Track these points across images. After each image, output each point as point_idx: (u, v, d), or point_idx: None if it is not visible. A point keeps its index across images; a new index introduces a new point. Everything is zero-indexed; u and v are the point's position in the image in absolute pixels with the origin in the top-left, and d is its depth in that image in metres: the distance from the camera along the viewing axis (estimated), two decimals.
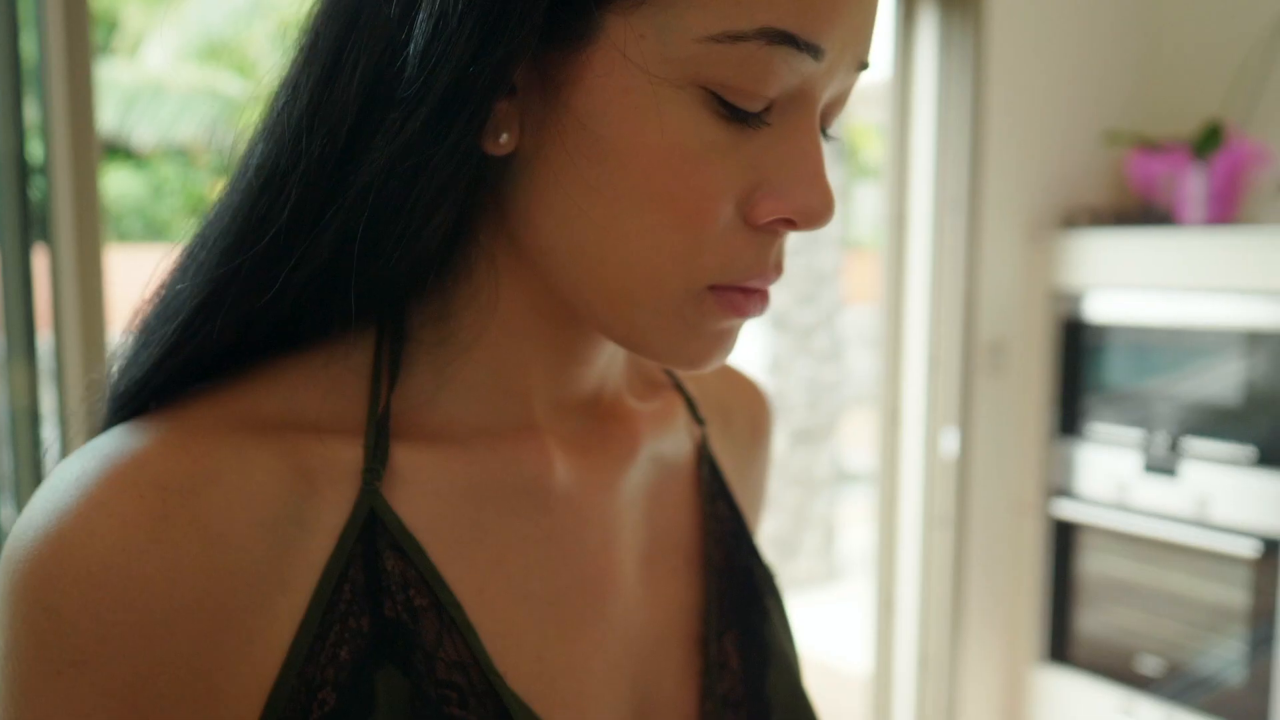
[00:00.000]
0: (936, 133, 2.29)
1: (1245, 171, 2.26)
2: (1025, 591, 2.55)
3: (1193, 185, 2.25)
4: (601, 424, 0.48)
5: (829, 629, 3.75)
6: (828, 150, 0.42)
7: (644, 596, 0.48)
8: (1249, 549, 2.14)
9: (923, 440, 2.36)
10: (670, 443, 0.53)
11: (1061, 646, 2.52)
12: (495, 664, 0.41)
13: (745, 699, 0.49)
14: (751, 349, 3.98)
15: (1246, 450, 2.15)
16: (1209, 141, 2.20)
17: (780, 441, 3.99)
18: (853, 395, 4.63)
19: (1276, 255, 2.07)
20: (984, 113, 2.28)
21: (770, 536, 3.98)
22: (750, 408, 0.61)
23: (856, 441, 4.98)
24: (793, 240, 3.93)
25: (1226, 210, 2.27)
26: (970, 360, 2.39)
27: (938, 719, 2.47)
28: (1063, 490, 2.47)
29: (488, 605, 0.42)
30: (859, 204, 6.84)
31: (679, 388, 0.56)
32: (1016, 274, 2.44)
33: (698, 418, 0.55)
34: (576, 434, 0.47)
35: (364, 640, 0.38)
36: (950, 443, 2.38)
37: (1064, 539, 2.50)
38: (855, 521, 4.49)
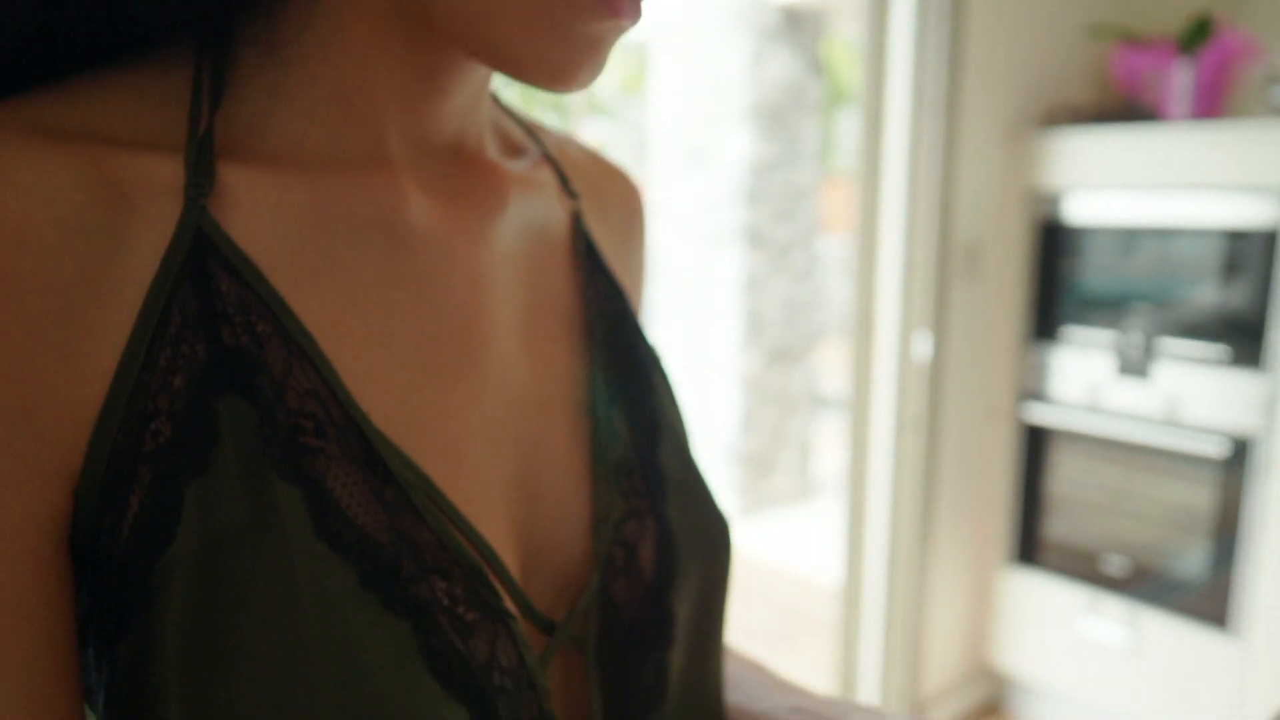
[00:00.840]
0: (915, 29, 2.21)
1: (1234, 65, 2.20)
2: (995, 495, 2.55)
3: (1178, 80, 2.19)
4: (465, 172, 0.44)
5: (803, 545, 3.78)
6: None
7: (523, 359, 0.45)
8: (1218, 449, 2.14)
9: (896, 345, 2.33)
10: (541, 209, 0.49)
11: (1030, 549, 2.54)
12: (356, 400, 0.37)
13: (637, 467, 0.46)
14: (727, 266, 3.93)
15: (1219, 350, 2.14)
16: (1197, 35, 2.14)
17: (756, 360, 3.97)
18: (830, 321, 4.60)
19: (1263, 149, 2.03)
20: (964, 6, 2.21)
21: (746, 454, 3.98)
22: (624, 193, 0.57)
23: (833, 368, 4.97)
24: (771, 156, 3.87)
25: (1213, 106, 2.22)
26: (945, 264, 2.35)
27: (906, 623, 2.49)
28: (1035, 394, 2.46)
29: (343, 340, 0.38)
30: (839, 133, 6.74)
31: (548, 158, 0.52)
32: (994, 175, 2.39)
33: (570, 190, 0.51)
34: (437, 180, 0.43)
35: (200, 367, 0.34)
36: (924, 347, 2.36)
37: (1035, 443, 2.50)
38: (831, 443, 4.51)
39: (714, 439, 4.02)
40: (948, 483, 2.47)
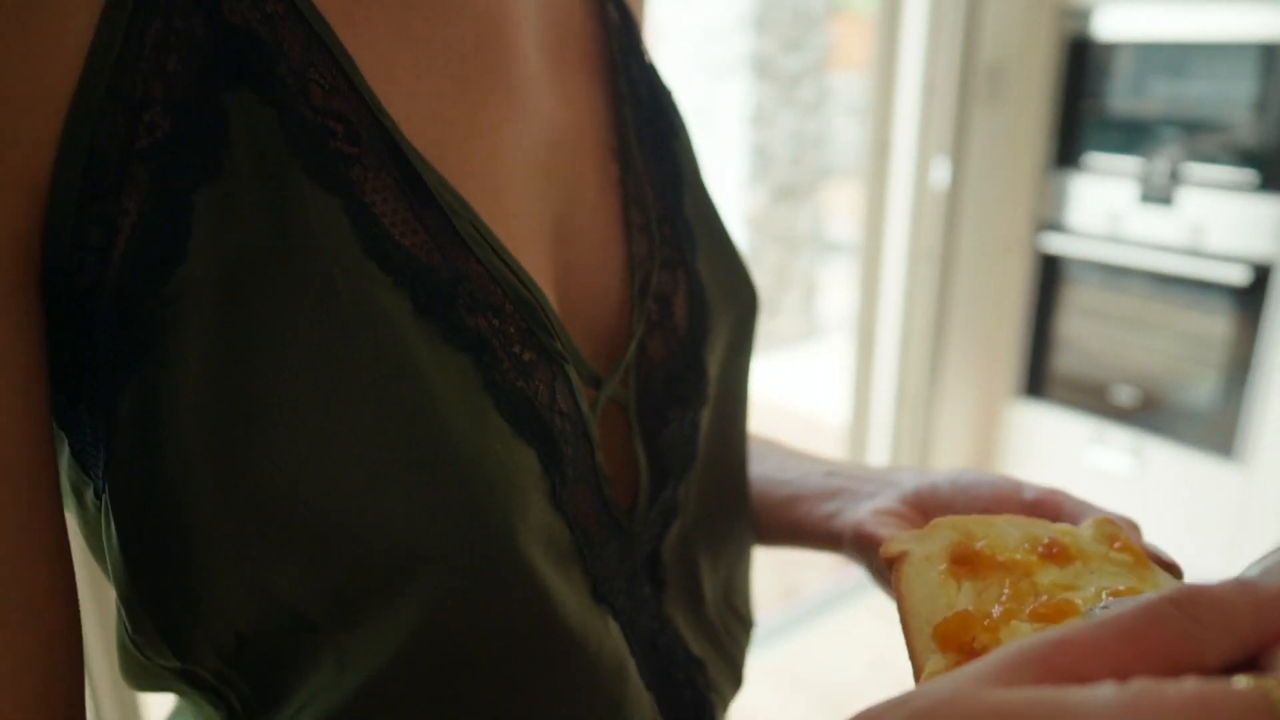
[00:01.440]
0: None
1: None
2: (1007, 329, 2.52)
3: None
4: None
5: (809, 385, 3.79)
6: None
7: (552, 86, 0.41)
8: (1240, 276, 2.09)
9: (913, 173, 2.24)
10: None
11: (1039, 382, 2.53)
12: (385, 107, 0.32)
13: (666, 216, 0.43)
14: (732, 98, 3.77)
15: (1248, 174, 2.05)
16: None
17: (762, 198, 3.87)
18: (838, 161, 4.45)
19: None
20: None
21: None
22: None
23: (840, 209, 4.85)
24: None
25: None
26: (967, 85, 2.23)
27: (913, 458, 2.51)
28: (1054, 224, 2.39)
29: (360, 32, 0.32)
30: None
31: None
32: None
33: None
34: None
35: (200, 49, 0.28)
36: (941, 175, 2.27)
37: (1051, 275, 2.44)
38: (837, 284, 4.46)
39: None
40: (959, 317, 2.43)
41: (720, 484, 0.47)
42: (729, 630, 0.49)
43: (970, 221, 2.36)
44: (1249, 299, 2.10)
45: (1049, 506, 0.41)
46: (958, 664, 0.35)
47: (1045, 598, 0.37)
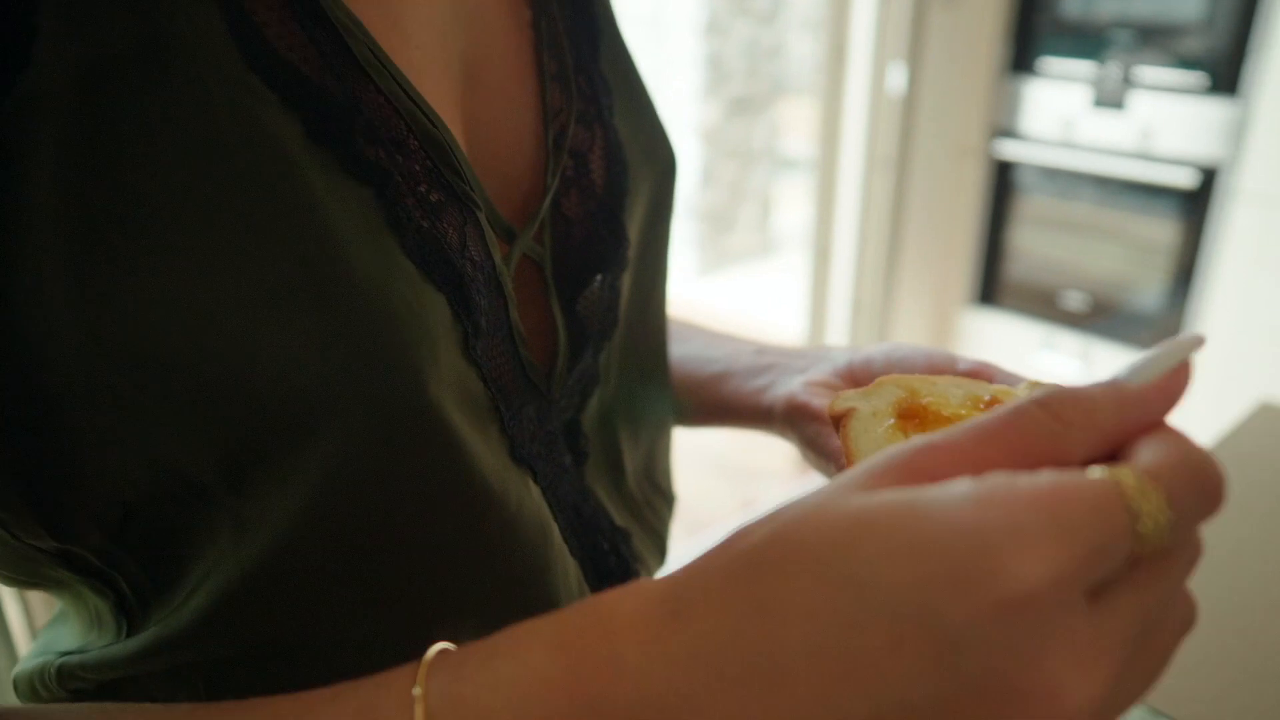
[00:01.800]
0: None
1: None
2: (961, 237, 2.54)
3: None
4: None
5: (765, 300, 3.81)
6: None
7: None
8: (1187, 180, 2.12)
9: (869, 77, 2.22)
10: None
11: (991, 290, 2.57)
12: None
13: (582, 68, 0.41)
14: (684, 5, 3.68)
15: (1198, 77, 2.07)
16: None
17: (716, 112, 3.81)
18: (793, 75, 4.39)
19: None
20: None
21: (705, 210, 3.91)
22: None
23: (795, 125, 4.81)
24: None
25: None
26: None
27: None
28: (1008, 130, 2.39)
29: None
30: None
31: None
32: None
33: None
34: None
35: None
36: (897, 79, 2.25)
37: (1004, 181, 2.46)
38: (792, 199, 4.44)
39: None
40: (915, 225, 2.44)
41: (641, 355, 0.46)
42: (650, 503, 0.49)
43: (926, 128, 2.35)
44: (1196, 203, 2.14)
45: (983, 375, 0.41)
46: None
47: None
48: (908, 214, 2.42)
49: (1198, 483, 0.21)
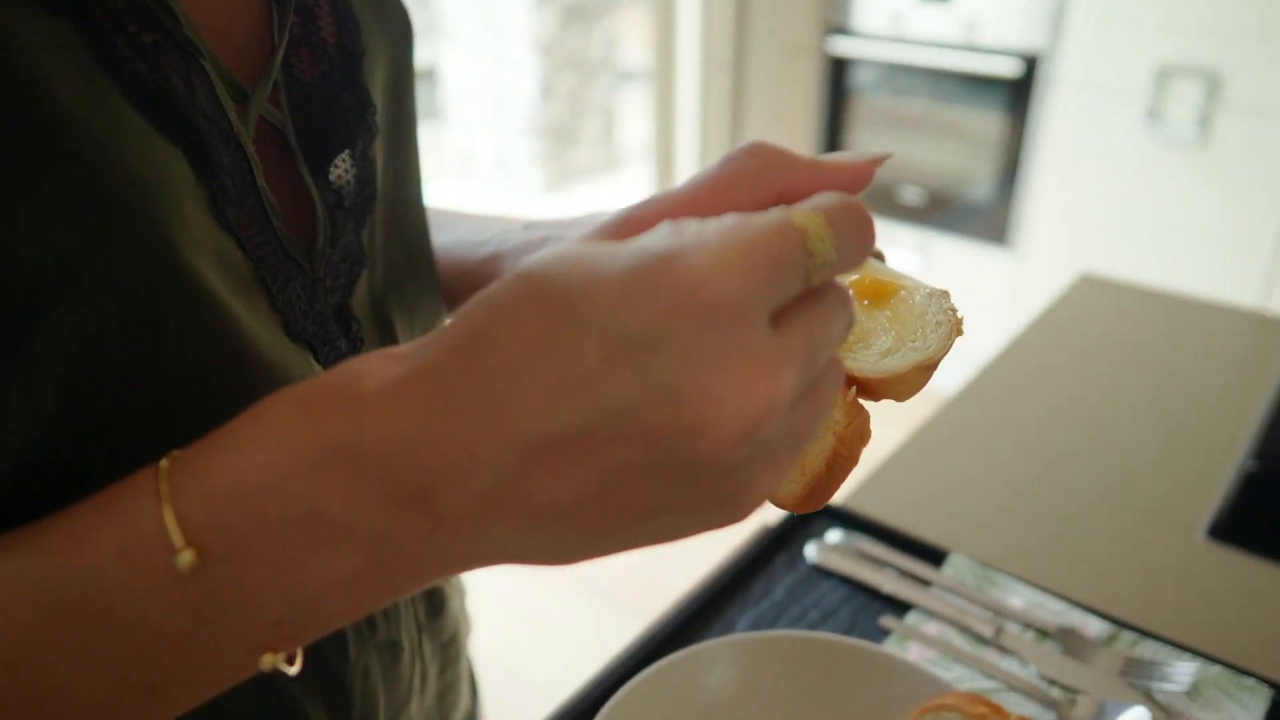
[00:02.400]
0: None
1: None
2: (800, 137, 2.55)
3: None
4: None
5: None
6: None
7: None
8: (1011, 69, 2.17)
9: None
10: None
11: None
12: None
13: None
14: None
15: None
16: None
17: (551, 21, 3.67)
18: None
19: None
20: None
21: (547, 125, 3.79)
22: None
23: (632, 38, 4.70)
24: None
25: None
26: None
27: None
28: (840, 27, 2.39)
29: None
30: None
31: None
32: None
33: None
34: None
35: None
36: None
37: (839, 80, 2.47)
38: (636, 113, 4.36)
39: (510, 110, 3.79)
40: (754, 128, 2.43)
41: (406, 238, 0.45)
42: None
43: (760, 27, 2.32)
44: (1019, 92, 2.20)
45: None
46: None
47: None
48: (747, 117, 2.39)
49: (852, 216, 0.24)
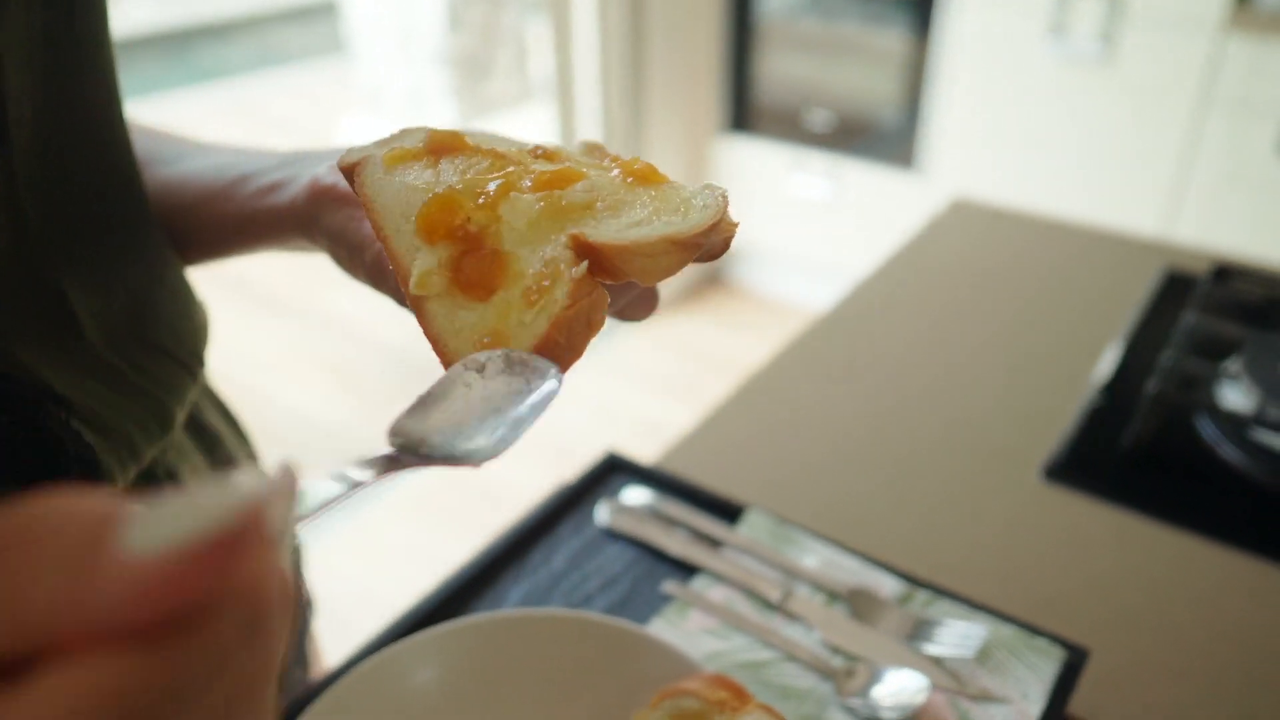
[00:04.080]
0: None
1: None
2: (705, 61, 2.45)
3: None
4: None
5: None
6: None
7: None
8: None
9: None
10: None
11: (742, 116, 2.51)
12: None
13: None
14: None
15: None
16: None
17: None
18: None
19: None
20: None
21: (458, 55, 3.63)
22: None
23: None
24: None
25: None
26: None
27: None
28: None
29: None
30: None
31: None
32: None
33: None
34: None
35: None
36: None
37: (742, 4, 2.36)
38: (549, 44, 4.20)
39: (419, 40, 3.62)
40: (656, 56, 2.32)
41: (80, 182, 0.38)
42: (140, 365, 0.40)
43: None
44: (922, 10, 2.12)
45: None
46: (454, 258, 0.30)
47: (549, 169, 0.31)
48: (648, 44, 2.29)
49: None
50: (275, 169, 0.40)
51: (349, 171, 0.32)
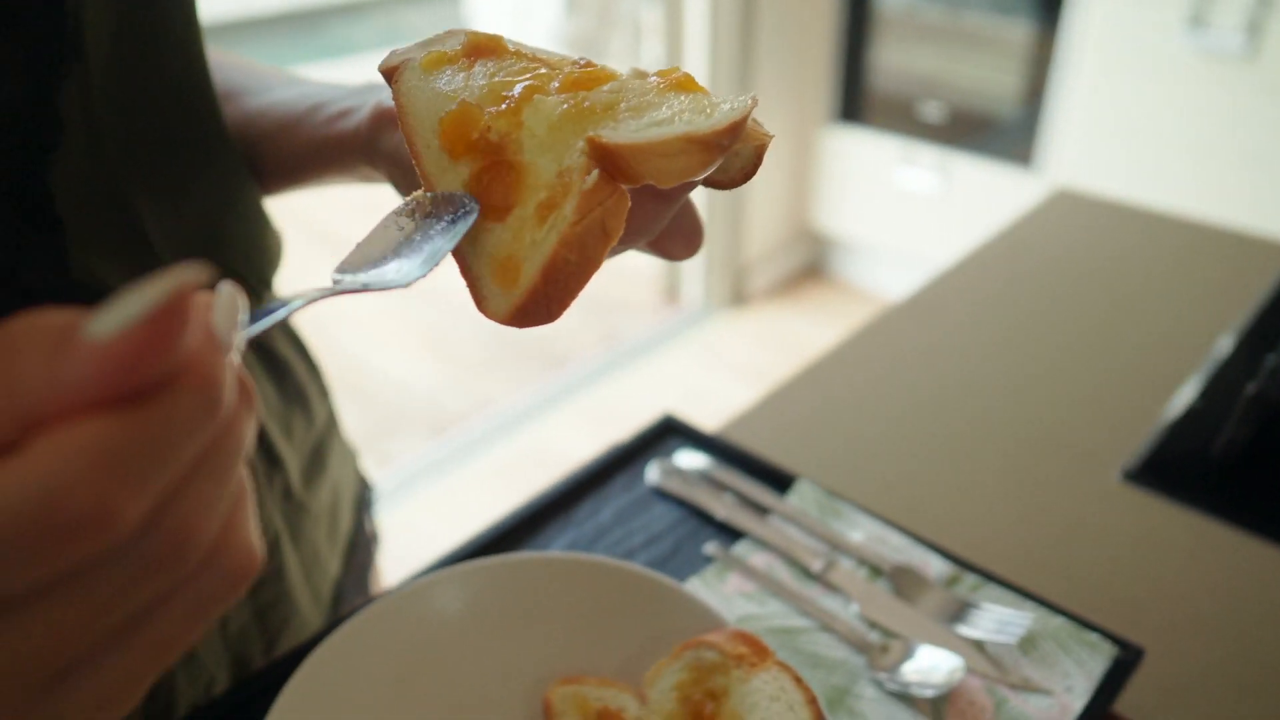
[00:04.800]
0: None
1: None
2: (818, 50, 2.41)
3: None
4: None
5: None
6: None
7: None
8: None
9: None
10: None
11: (852, 106, 2.46)
12: None
13: None
14: None
15: None
16: None
17: None
18: None
19: None
20: None
21: (573, 38, 3.67)
22: None
23: None
24: None
25: None
26: None
27: (729, 194, 2.44)
28: None
29: None
30: None
31: None
32: None
33: None
34: None
35: None
36: None
37: None
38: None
39: (534, 22, 3.67)
40: (768, 45, 2.30)
41: (157, 101, 0.39)
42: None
43: None
44: (1051, 5, 2.03)
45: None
46: (477, 173, 0.29)
47: (578, 70, 0.31)
48: (760, 32, 2.26)
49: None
50: (348, 97, 0.41)
51: (389, 75, 0.31)
